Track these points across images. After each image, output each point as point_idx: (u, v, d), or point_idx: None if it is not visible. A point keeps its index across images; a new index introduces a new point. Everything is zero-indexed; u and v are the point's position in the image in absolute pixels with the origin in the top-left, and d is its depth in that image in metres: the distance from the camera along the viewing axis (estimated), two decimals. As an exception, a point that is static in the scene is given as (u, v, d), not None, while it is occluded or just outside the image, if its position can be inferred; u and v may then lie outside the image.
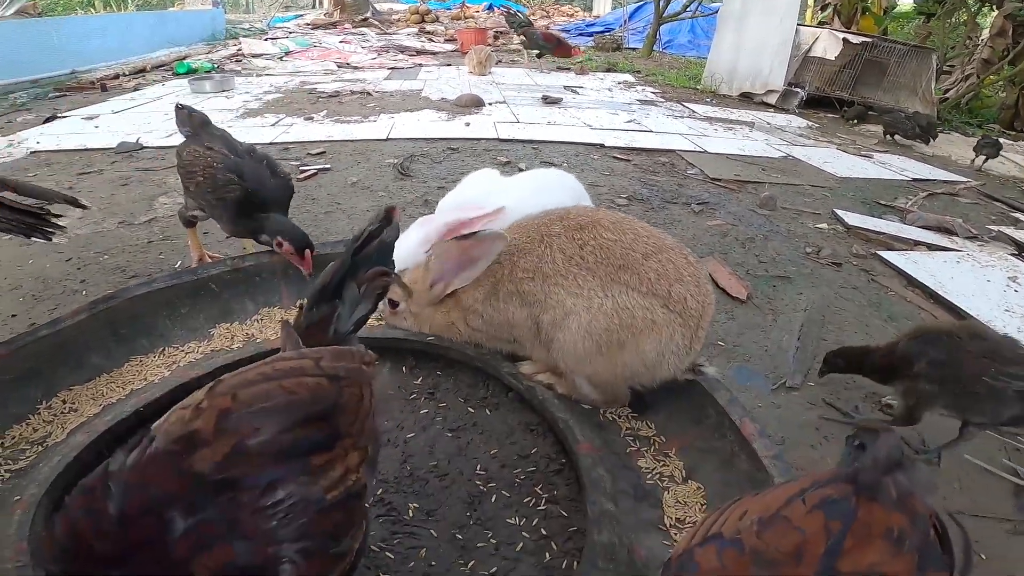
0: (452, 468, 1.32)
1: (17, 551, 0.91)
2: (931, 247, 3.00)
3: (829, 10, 9.14)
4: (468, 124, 4.63)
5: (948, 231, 3.24)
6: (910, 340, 1.53)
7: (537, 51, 8.09)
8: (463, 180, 2.01)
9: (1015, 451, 1.64)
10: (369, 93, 5.80)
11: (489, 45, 9.36)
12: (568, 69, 8.39)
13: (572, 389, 1.50)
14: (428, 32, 12.24)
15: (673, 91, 7.30)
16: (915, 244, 3.01)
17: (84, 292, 1.99)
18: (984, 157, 5.00)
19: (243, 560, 0.63)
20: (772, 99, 6.85)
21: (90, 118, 4.41)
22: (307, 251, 1.72)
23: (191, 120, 1.95)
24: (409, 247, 1.67)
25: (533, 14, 14.48)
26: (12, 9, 7.70)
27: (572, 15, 16.12)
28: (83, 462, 1.15)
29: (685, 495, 1.29)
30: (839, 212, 3.31)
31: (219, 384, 0.70)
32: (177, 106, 2.01)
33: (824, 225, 3.16)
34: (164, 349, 1.61)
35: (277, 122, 4.47)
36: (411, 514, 1.19)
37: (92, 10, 11.17)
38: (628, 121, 5.24)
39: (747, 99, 7.07)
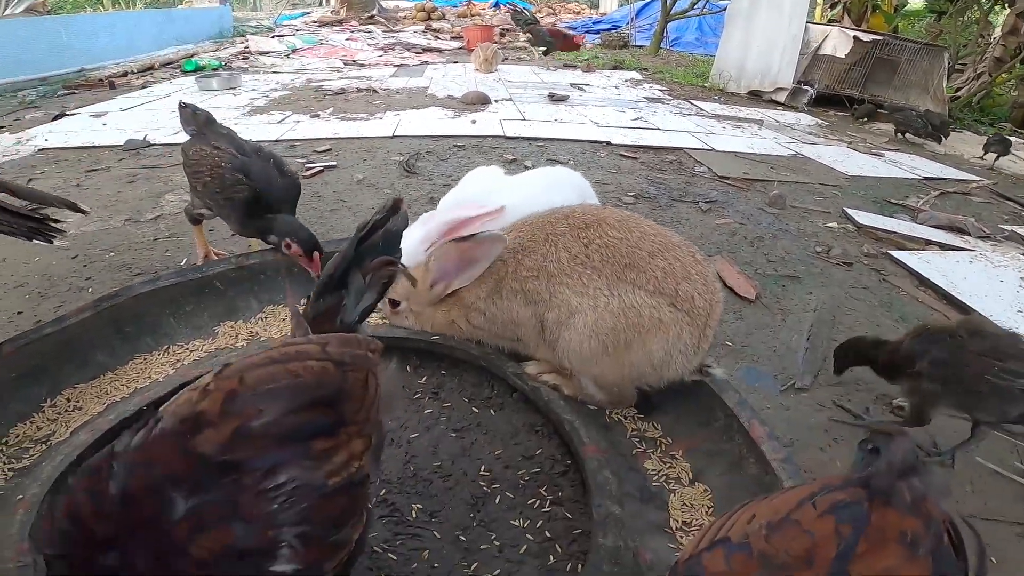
0: (456, 469, 1.31)
1: (19, 551, 0.91)
2: (943, 247, 2.96)
3: (839, 8, 9.06)
4: (474, 121, 4.61)
5: (960, 230, 3.20)
6: (912, 339, 1.51)
7: (544, 48, 8.06)
8: (464, 177, 1.99)
9: (1029, 455, 1.61)
10: (375, 90, 5.79)
11: (495, 42, 9.33)
12: (575, 67, 8.35)
13: (578, 390, 1.48)
14: (434, 29, 12.22)
15: (680, 89, 7.25)
16: (927, 244, 2.97)
17: (90, 289, 1.99)
18: (995, 155, 4.96)
19: (242, 543, 0.62)
20: (781, 97, 6.79)
21: (98, 115, 4.43)
22: (315, 253, 1.71)
23: (195, 118, 1.94)
24: (410, 245, 1.66)
25: (539, 11, 14.44)
26: (21, 7, 7.75)
27: (578, 12, 16.06)
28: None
29: (692, 498, 1.28)
30: (849, 211, 3.27)
31: (227, 367, 0.70)
32: (181, 104, 2.00)
33: (834, 224, 3.13)
34: (168, 347, 1.61)
35: (283, 119, 4.47)
36: (414, 515, 1.18)
37: (100, 8, 11.23)
38: (635, 119, 5.21)
39: (755, 97, 7.01)
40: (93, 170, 3.21)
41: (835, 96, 6.94)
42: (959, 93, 7.92)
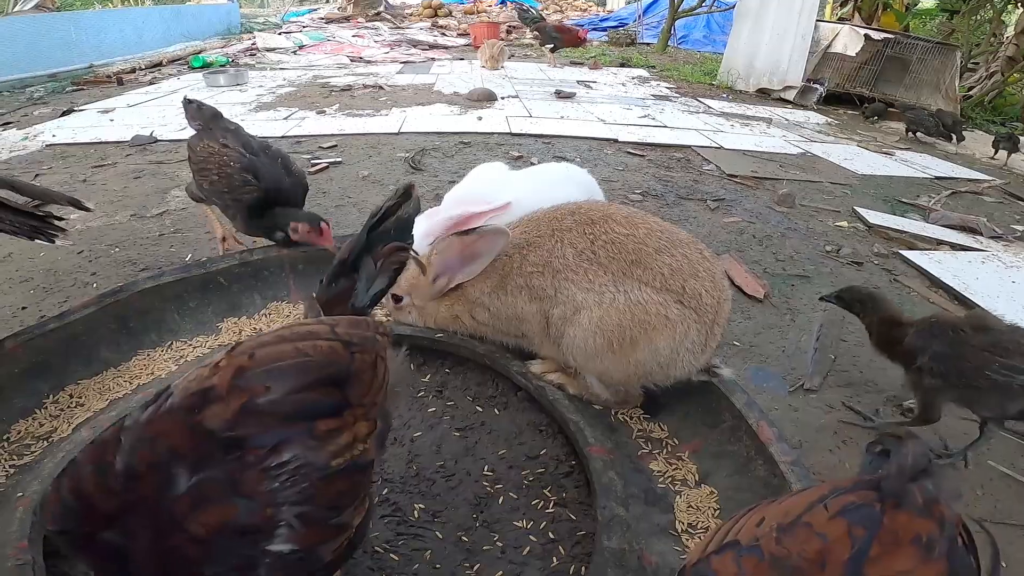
0: (459, 468, 1.29)
1: (18, 549, 0.90)
2: (955, 247, 2.92)
3: (849, 6, 8.97)
4: (480, 118, 4.60)
5: (972, 230, 3.15)
6: (915, 331, 1.50)
7: (551, 45, 8.03)
8: (470, 173, 1.97)
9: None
10: (381, 87, 5.78)
11: (502, 40, 9.30)
12: (581, 64, 8.31)
13: (583, 389, 1.47)
14: (441, 26, 12.21)
15: (688, 87, 7.20)
16: (938, 243, 2.93)
17: (95, 285, 1.99)
18: (1005, 152, 4.93)
19: (242, 520, 0.62)
20: (790, 95, 6.73)
21: (106, 111, 4.44)
22: (323, 224, 1.71)
23: (201, 114, 1.94)
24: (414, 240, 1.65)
25: (546, 8, 14.38)
26: (31, 3, 7.78)
27: (585, 10, 15.98)
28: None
29: (698, 500, 1.26)
30: (860, 210, 3.23)
31: (239, 345, 0.71)
32: (185, 100, 1.99)
33: (844, 223, 3.09)
34: (172, 343, 1.60)
35: (289, 116, 4.47)
36: (416, 515, 1.17)
37: (109, 4, 11.26)
38: (642, 116, 5.17)
39: (764, 95, 6.96)
40: (100, 166, 3.22)
41: (845, 94, 6.88)
42: (971, 92, 7.83)
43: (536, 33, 8.36)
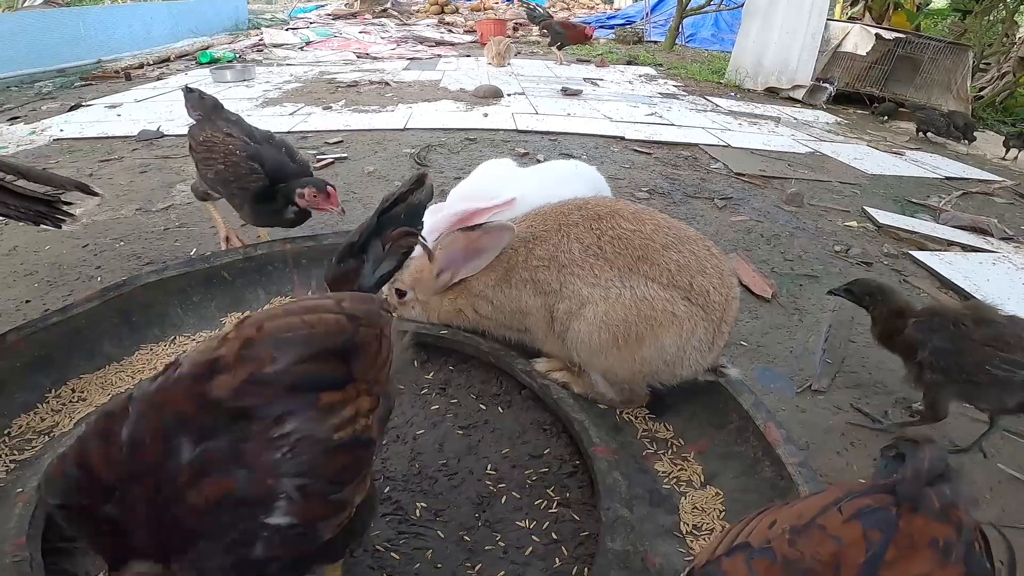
0: (462, 467, 1.28)
1: (17, 545, 0.89)
2: (965, 248, 2.88)
3: (860, 6, 8.89)
4: (486, 115, 4.58)
5: (983, 232, 3.12)
6: (914, 323, 1.48)
7: (559, 43, 8.00)
8: (477, 169, 1.96)
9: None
10: (388, 83, 5.77)
11: (508, 37, 9.27)
12: (588, 61, 8.27)
13: (588, 387, 1.45)
14: (448, 23, 12.18)
15: (696, 85, 7.16)
16: (949, 244, 2.89)
17: (99, 278, 1.99)
18: (1015, 151, 4.90)
19: (242, 490, 0.62)
20: (799, 94, 6.67)
21: (113, 106, 4.45)
22: (329, 188, 1.71)
23: (202, 104, 1.93)
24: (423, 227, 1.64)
25: (553, 6, 14.33)
26: (40, -1, 7.81)
27: (592, 7, 15.92)
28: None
29: (703, 501, 1.24)
30: (869, 210, 3.20)
31: (247, 318, 0.73)
32: (186, 89, 1.98)
33: (853, 223, 3.06)
34: (175, 338, 1.60)
35: (296, 111, 4.47)
36: (418, 514, 1.16)
37: (118, 0, 11.30)
38: (649, 114, 5.14)
39: (772, 94, 6.90)
40: (106, 160, 3.22)
41: (855, 94, 6.82)
42: (982, 93, 7.74)
43: (544, 31, 8.33)
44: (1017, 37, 8.29)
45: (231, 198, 1.85)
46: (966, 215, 3.28)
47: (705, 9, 10.21)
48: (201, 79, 5.73)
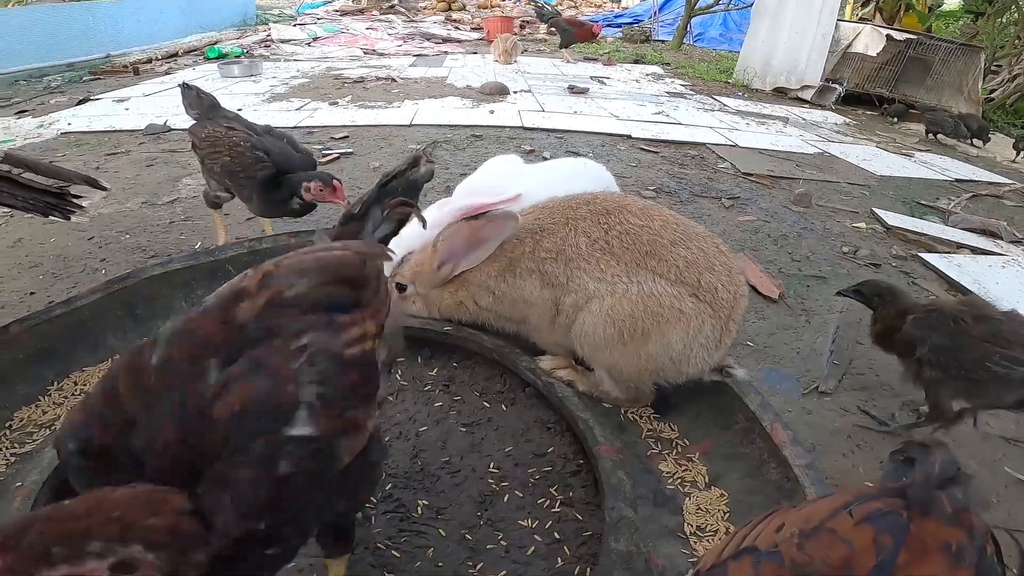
0: (464, 465, 1.27)
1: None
2: (974, 250, 2.85)
3: (871, 6, 8.82)
4: (492, 112, 4.56)
5: (992, 234, 3.08)
6: (912, 320, 1.45)
7: (566, 41, 7.98)
8: (483, 165, 1.95)
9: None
10: (394, 79, 5.77)
11: (515, 34, 9.25)
12: (595, 60, 8.25)
13: (593, 386, 1.44)
14: (454, 20, 12.16)
15: (703, 84, 7.12)
16: (958, 247, 2.86)
17: (104, 271, 1.99)
18: None
19: (263, 397, 0.67)
20: (807, 95, 6.63)
21: (121, 101, 4.46)
22: (335, 181, 1.75)
23: (200, 102, 1.93)
24: (422, 230, 1.63)
25: (560, 4, 14.30)
26: (50, -8, 7.83)
27: (600, 6, 15.87)
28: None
29: (707, 502, 1.23)
30: (878, 211, 3.17)
31: (265, 262, 0.80)
32: (184, 86, 1.98)
33: (862, 224, 3.03)
34: (178, 331, 1.59)
35: (302, 106, 4.46)
36: (420, 511, 1.15)
37: (128, -5, 11.32)
38: (656, 113, 5.11)
39: (781, 94, 6.86)
40: (113, 154, 3.23)
41: (864, 95, 6.76)
42: (993, 95, 7.67)
43: (551, 28, 8.31)
44: (1029, 39, 8.20)
45: (240, 190, 1.86)
46: (975, 217, 3.25)
47: (714, 8, 10.16)
48: (209, 74, 5.75)
